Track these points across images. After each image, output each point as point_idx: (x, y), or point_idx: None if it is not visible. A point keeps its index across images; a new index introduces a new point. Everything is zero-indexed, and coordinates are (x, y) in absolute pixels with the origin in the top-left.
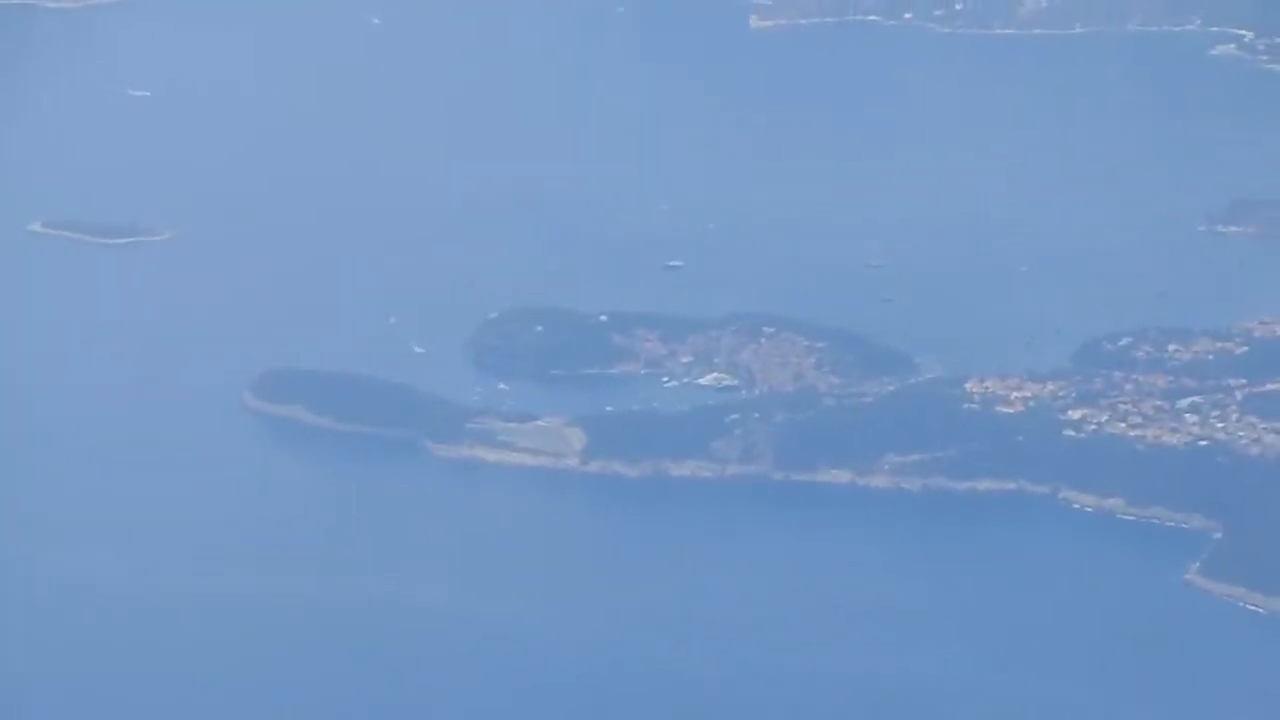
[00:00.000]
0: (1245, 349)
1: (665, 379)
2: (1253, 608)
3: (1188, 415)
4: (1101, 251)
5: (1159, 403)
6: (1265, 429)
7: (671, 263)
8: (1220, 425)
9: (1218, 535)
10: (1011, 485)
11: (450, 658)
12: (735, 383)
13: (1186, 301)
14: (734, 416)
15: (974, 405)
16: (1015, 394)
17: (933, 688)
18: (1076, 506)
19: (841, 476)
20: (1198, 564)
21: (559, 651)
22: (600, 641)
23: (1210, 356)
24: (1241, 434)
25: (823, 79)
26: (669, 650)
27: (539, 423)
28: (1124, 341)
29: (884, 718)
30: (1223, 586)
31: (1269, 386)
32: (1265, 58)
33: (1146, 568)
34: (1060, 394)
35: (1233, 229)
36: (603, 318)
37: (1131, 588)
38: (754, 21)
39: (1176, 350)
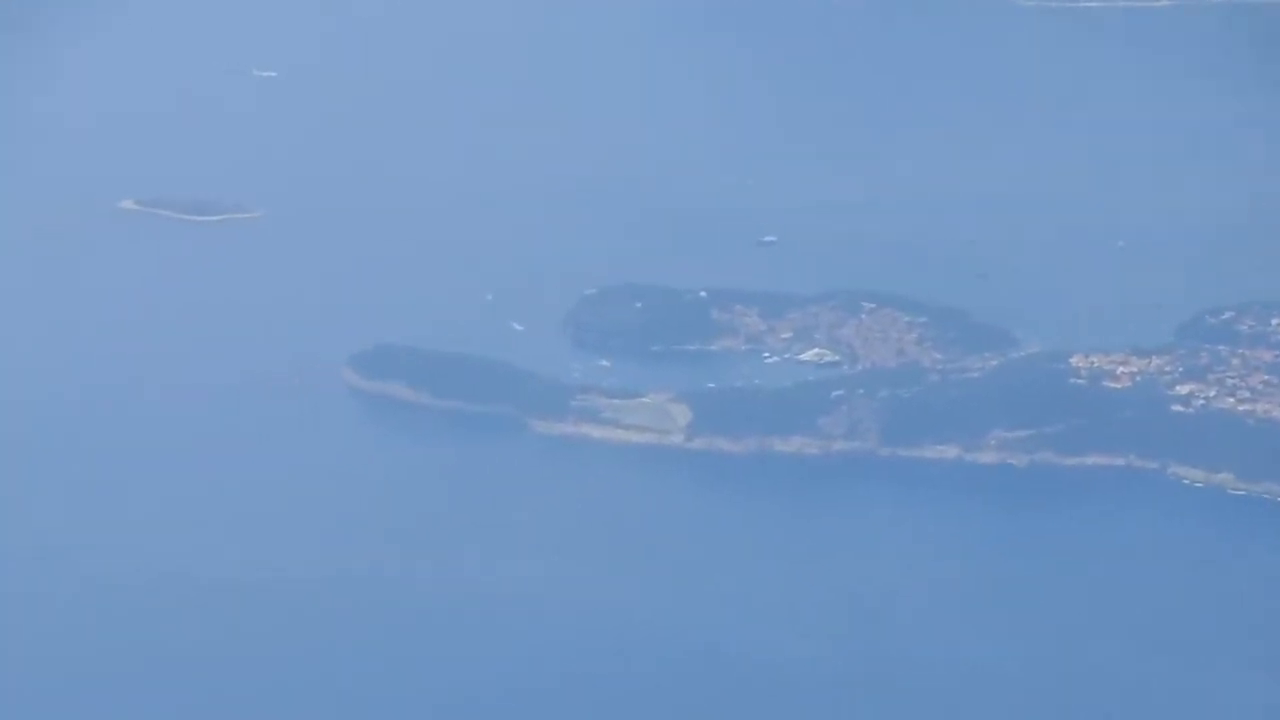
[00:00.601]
0: None
1: (766, 355)
2: None
3: None
4: (1197, 226)
5: (1267, 377)
6: None
7: (765, 238)
8: None
9: None
10: (1120, 461)
11: (558, 637)
12: (837, 358)
13: None
14: (839, 392)
15: (1080, 380)
16: (1121, 369)
17: (1056, 669)
18: (1186, 482)
19: (948, 452)
20: None
21: (668, 632)
22: (710, 623)
23: None
24: None
25: (903, 52)
26: (783, 633)
27: (643, 399)
28: (1226, 315)
29: (1009, 701)
30: None
31: None
32: None
33: (1260, 544)
34: (1166, 369)
35: None
36: (702, 294)
37: (1247, 563)
38: None
39: None
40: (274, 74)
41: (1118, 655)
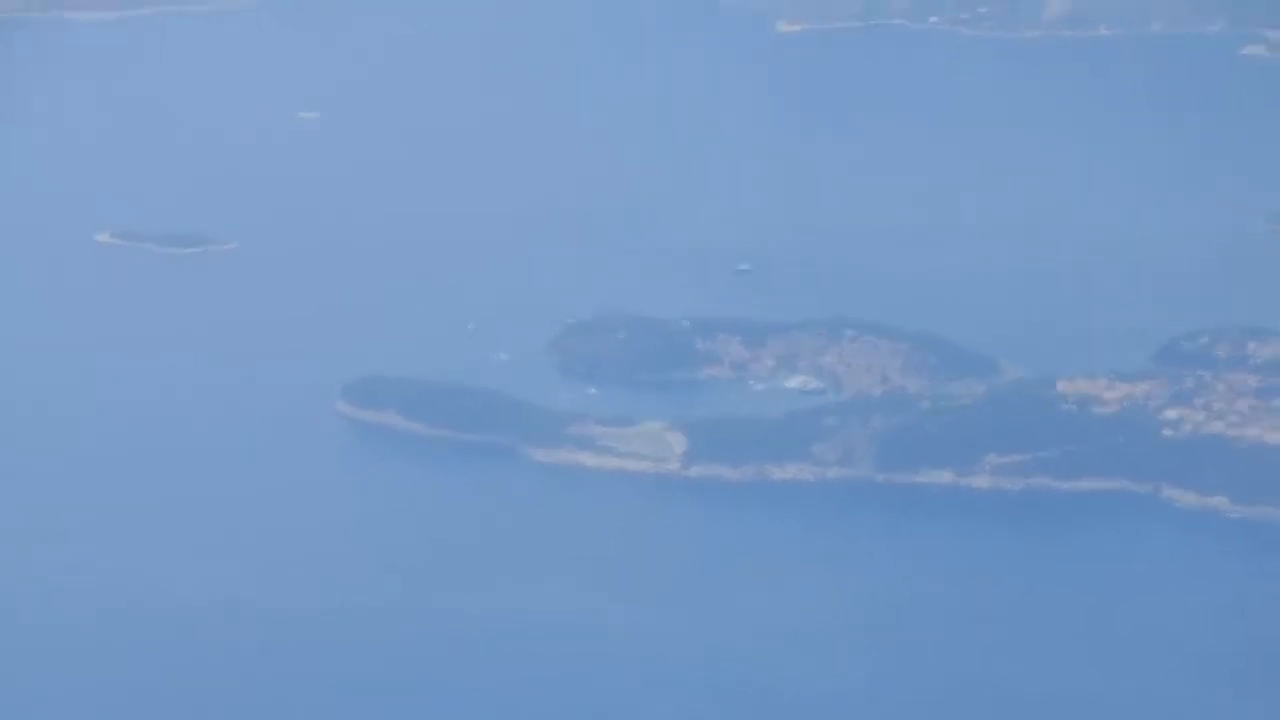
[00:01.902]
0: None
1: (752, 382)
2: None
3: None
4: (1165, 252)
5: (1254, 401)
6: None
7: (741, 267)
8: None
9: None
10: (1114, 484)
11: (560, 663)
12: (821, 385)
13: (1255, 300)
14: (832, 420)
15: (1070, 406)
16: (1108, 394)
17: (1046, 690)
18: (1180, 505)
19: (943, 478)
20: None
21: (671, 658)
22: (717, 651)
23: None
24: None
25: (856, 83)
26: (786, 657)
27: (638, 428)
28: (1203, 340)
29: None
30: None
31: None
32: None
33: (1256, 566)
34: (1153, 394)
35: None
36: (684, 322)
37: (1244, 585)
38: (782, 25)
39: (1256, 348)
40: (316, 115)
41: (1115, 675)
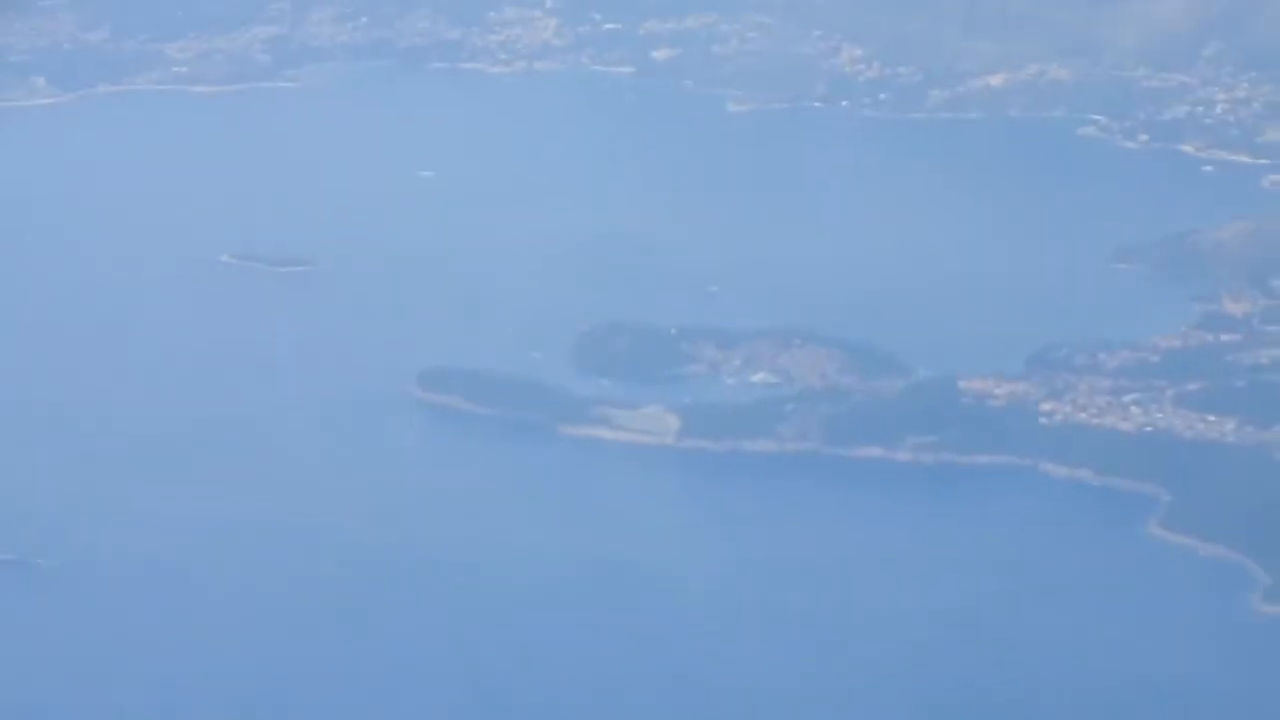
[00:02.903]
0: (1158, 358)
1: (725, 377)
2: (1201, 553)
3: (1133, 408)
4: (1029, 284)
5: (1108, 398)
6: (1195, 419)
7: (710, 289)
8: (1160, 416)
9: (1166, 498)
10: (1003, 459)
11: (592, 591)
12: (778, 381)
13: (1102, 319)
14: (790, 406)
15: (968, 399)
16: (997, 390)
17: (954, 619)
18: (1053, 476)
19: (874, 452)
20: (1156, 520)
21: (671, 587)
22: (717, 577)
23: (1132, 363)
24: (1178, 422)
25: (785, 154)
26: (756, 583)
27: (643, 410)
28: (1063, 351)
29: (913, 647)
30: (1178, 537)
31: (1190, 387)
32: (1119, 136)
33: (1115, 520)
34: (1031, 391)
35: (1124, 266)
36: (672, 330)
37: (1106, 536)
38: (731, 106)
39: (1105, 358)
40: (432, 174)
41: (1013, 609)
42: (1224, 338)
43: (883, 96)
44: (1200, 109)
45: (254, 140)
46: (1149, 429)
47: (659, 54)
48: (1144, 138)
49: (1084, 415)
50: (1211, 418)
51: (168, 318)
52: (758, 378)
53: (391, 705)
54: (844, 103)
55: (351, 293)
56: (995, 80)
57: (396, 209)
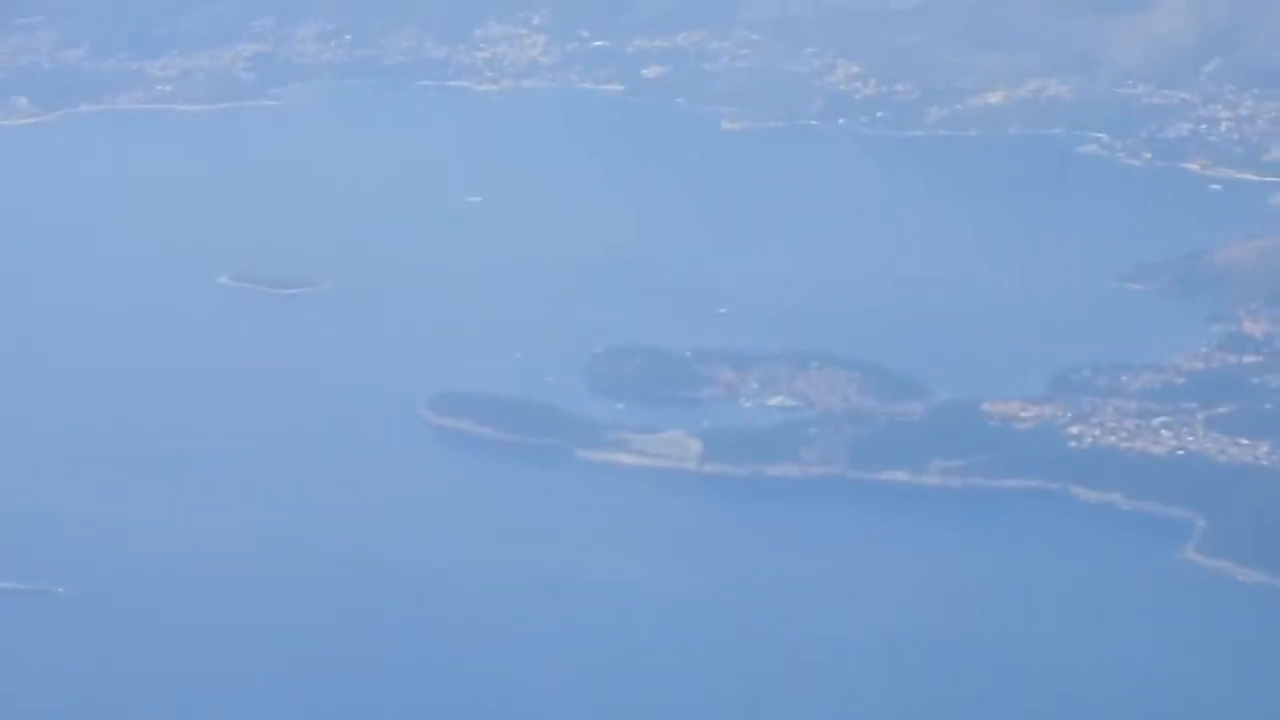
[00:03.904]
0: (1182, 380)
1: (742, 400)
2: (1240, 578)
3: (1163, 431)
4: (1039, 305)
5: (1137, 421)
6: (1228, 442)
7: (720, 310)
8: (1191, 439)
9: (1201, 523)
10: (1032, 483)
11: (608, 617)
12: (797, 404)
13: (1116, 340)
14: (812, 430)
15: (995, 422)
16: (1023, 413)
17: (982, 640)
18: (1083, 500)
19: (901, 476)
20: (1192, 545)
21: (693, 613)
22: (732, 606)
23: (1157, 385)
24: (1210, 446)
25: (784, 170)
26: (782, 606)
27: (662, 435)
28: (1085, 373)
29: (936, 668)
30: (1216, 562)
31: (1220, 410)
32: (1122, 154)
33: (1150, 545)
34: (1058, 414)
35: (1137, 286)
36: (687, 353)
37: (1143, 561)
38: (725, 124)
39: (1127, 380)
40: (479, 199)
41: (1048, 630)
42: (1247, 359)
43: (880, 114)
44: (1204, 127)
45: (242, 160)
46: (1180, 452)
47: (649, 71)
48: (1147, 155)
49: (1113, 438)
50: (1244, 441)
51: (171, 341)
52: (776, 401)
53: None
54: (841, 120)
55: (356, 315)
56: (994, 97)
57: (394, 230)
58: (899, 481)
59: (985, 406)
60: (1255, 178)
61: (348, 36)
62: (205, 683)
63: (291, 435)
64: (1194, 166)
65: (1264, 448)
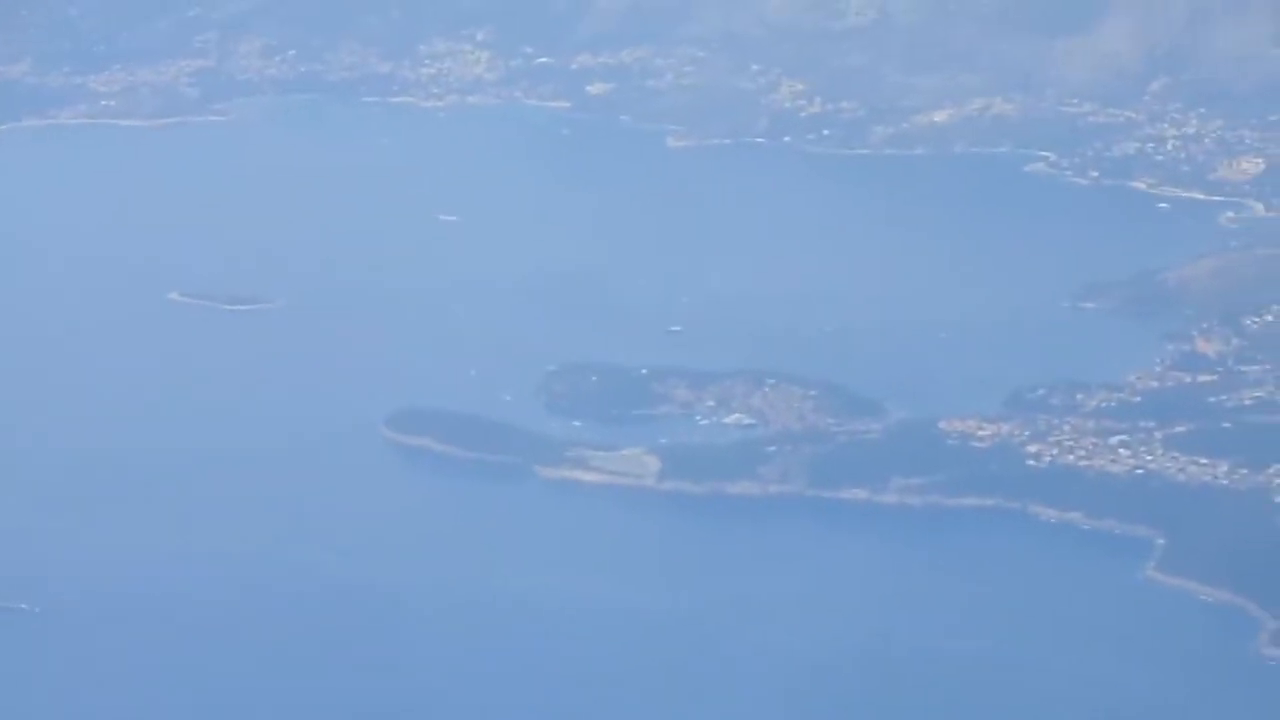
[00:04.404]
0: (1138, 399)
1: (698, 418)
2: (1202, 597)
3: (1121, 450)
4: (990, 324)
5: (1095, 440)
6: (1187, 461)
7: (672, 328)
8: (1149, 458)
9: (1161, 542)
10: (991, 502)
11: (572, 634)
12: (752, 422)
13: (1069, 360)
14: (771, 448)
15: (953, 440)
16: (981, 431)
17: (945, 659)
18: (1043, 518)
19: (860, 495)
20: (1153, 563)
21: (655, 631)
22: (697, 621)
23: (1113, 404)
24: (1169, 465)
25: (732, 190)
26: (741, 626)
27: (621, 452)
28: (1040, 392)
29: (897, 686)
30: (1177, 580)
31: (1178, 429)
32: (1069, 173)
33: (1111, 564)
34: (1015, 432)
35: (1090, 305)
36: (642, 370)
37: (1104, 580)
38: (671, 141)
39: (1083, 399)
40: (455, 219)
41: (1012, 649)
42: (1201, 378)
43: (826, 132)
44: (1150, 145)
45: (189, 176)
46: (1139, 471)
47: (593, 88)
48: (1094, 174)
49: (1071, 457)
50: (1203, 460)
51: (125, 359)
52: (732, 419)
53: None
54: (787, 138)
55: (310, 331)
56: (939, 116)
57: (346, 248)
58: (858, 500)
59: (942, 425)
60: (1203, 196)
61: (291, 51)
62: (166, 697)
63: (252, 452)
64: (1141, 185)
65: (1223, 467)
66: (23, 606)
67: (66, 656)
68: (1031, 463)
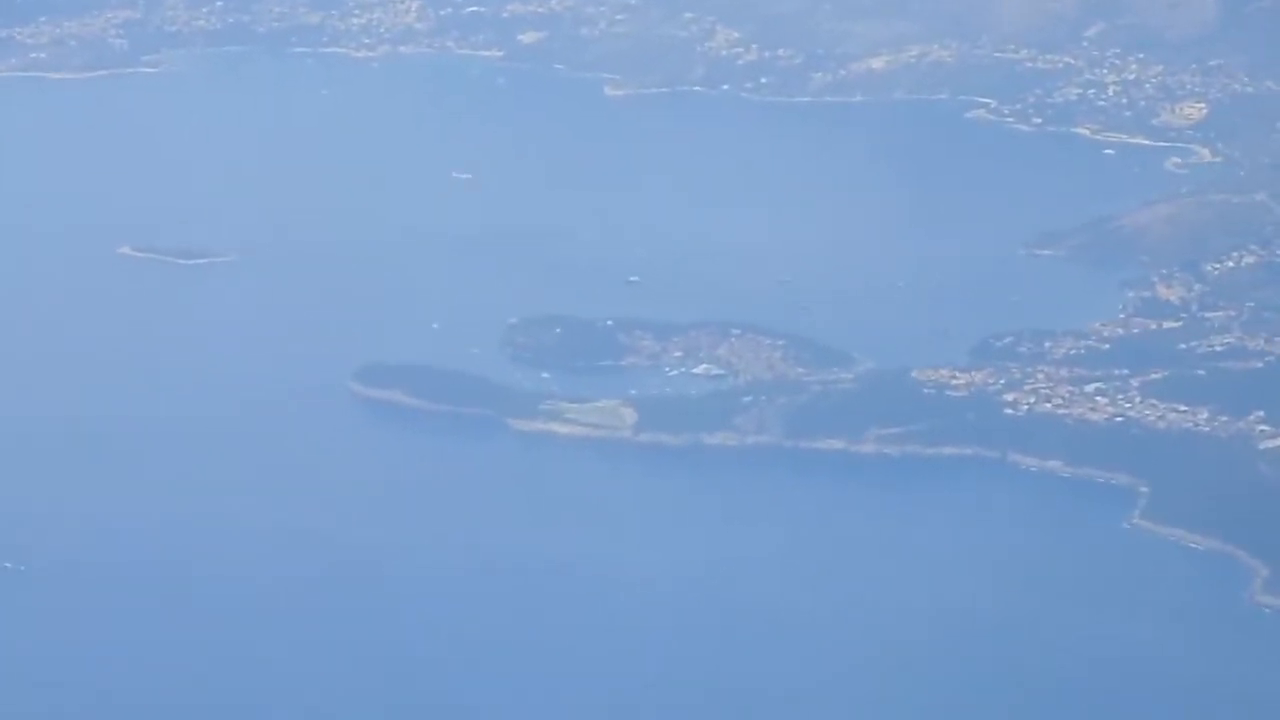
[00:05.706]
0: (1107, 346)
1: (666, 369)
2: (1189, 544)
3: (1099, 398)
4: (948, 273)
5: (1070, 388)
6: (1166, 409)
7: (631, 279)
8: (1128, 406)
9: (1145, 489)
10: (969, 451)
11: (550, 587)
12: (722, 372)
13: (1030, 307)
14: (747, 398)
15: (928, 390)
16: (955, 380)
17: (938, 610)
18: (1023, 467)
19: (837, 444)
20: (1138, 511)
21: (636, 586)
22: (689, 577)
23: (1082, 351)
24: (1148, 412)
25: (674, 139)
26: (719, 579)
27: (596, 404)
28: (1007, 340)
29: (887, 637)
30: (1164, 529)
31: (1153, 376)
32: (1011, 119)
33: (1095, 512)
34: (990, 381)
35: (1046, 252)
36: (608, 321)
37: (1089, 528)
38: (608, 90)
39: (1051, 347)
40: (469, 176)
41: (995, 602)
42: (1166, 325)
43: (764, 80)
44: (1091, 91)
45: (126, 129)
46: (1119, 419)
47: (526, 37)
48: (1037, 121)
49: (1049, 405)
50: (1182, 407)
51: (80, 316)
52: (701, 369)
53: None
54: (724, 86)
55: (266, 286)
56: (877, 63)
57: (292, 201)
58: (836, 450)
59: (915, 374)
60: (1147, 142)
61: (219, 2)
62: (137, 657)
63: (220, 410)
64: (1085, 131)
65: (1203, 414)
66: (6, 565)
67: (52, 612)
68: (1009, 411)
